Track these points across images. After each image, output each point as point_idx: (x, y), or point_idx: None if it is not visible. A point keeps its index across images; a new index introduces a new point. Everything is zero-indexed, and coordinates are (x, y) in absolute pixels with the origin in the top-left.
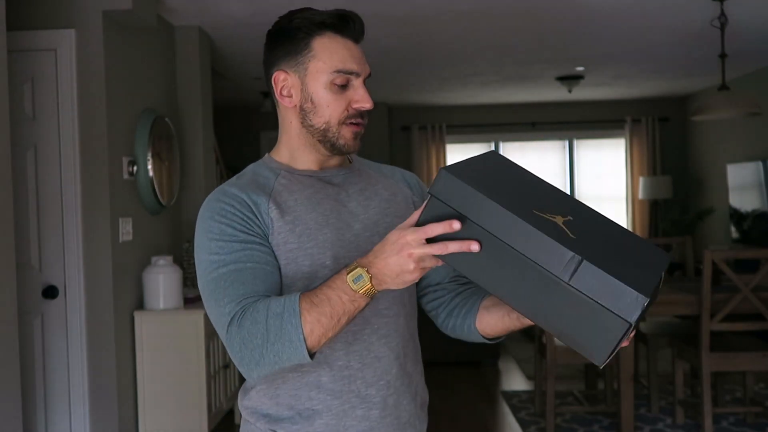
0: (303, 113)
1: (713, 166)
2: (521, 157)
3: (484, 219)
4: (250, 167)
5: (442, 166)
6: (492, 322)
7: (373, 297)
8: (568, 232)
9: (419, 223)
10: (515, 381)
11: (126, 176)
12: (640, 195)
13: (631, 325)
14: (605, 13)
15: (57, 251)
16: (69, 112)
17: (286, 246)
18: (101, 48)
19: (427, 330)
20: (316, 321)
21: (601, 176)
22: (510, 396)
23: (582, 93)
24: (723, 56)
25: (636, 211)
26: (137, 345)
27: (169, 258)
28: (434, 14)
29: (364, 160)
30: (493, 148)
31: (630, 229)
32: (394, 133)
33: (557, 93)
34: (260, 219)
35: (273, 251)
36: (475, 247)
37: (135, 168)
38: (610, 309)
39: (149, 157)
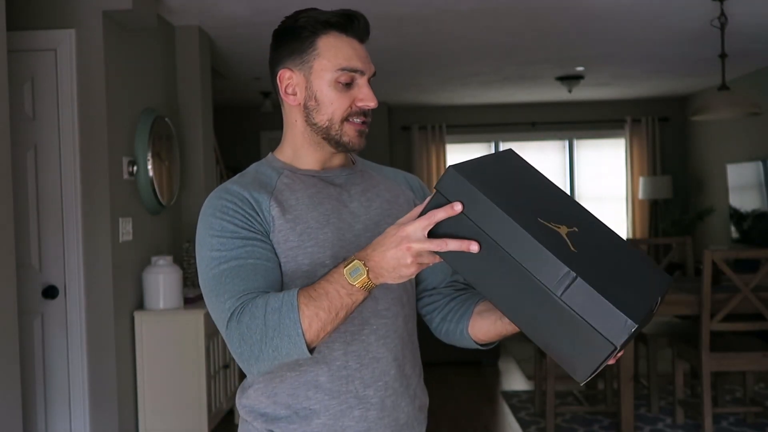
0: (307, 111)
1: (713, 166)
2: None
3: (485, 222)
4: (253, 166)
5: (444, 165)
6: (485, 326)
7: (371, 291)
8: (570, 244)
9: (421, 215)
10: (515, 381)
11: (126, 176)
12: (640, 195)
13: (616, 348)
14: (605, 13)
15: (57, 251)
16: (69, 112)
17: (286, 244)
18: (101, 48)
19: (426, 329)
20: (314, 315)
21: (601, 176)
22: (510, 396)
23: (582, 93)
24: (723, 56)
25: (636, 211)
26: (137, 345)
27: (169, 258)
28: (434, 14)
29: (366, 162)
30: (493, 148)
31: (630, 229)
32: (394, 133)
33: (557, 93)
34: (261, 216)
35: (274, 249)
36: (474, 247)
37: (135, 168)
38: (598, 330)
39: (149, 157)
